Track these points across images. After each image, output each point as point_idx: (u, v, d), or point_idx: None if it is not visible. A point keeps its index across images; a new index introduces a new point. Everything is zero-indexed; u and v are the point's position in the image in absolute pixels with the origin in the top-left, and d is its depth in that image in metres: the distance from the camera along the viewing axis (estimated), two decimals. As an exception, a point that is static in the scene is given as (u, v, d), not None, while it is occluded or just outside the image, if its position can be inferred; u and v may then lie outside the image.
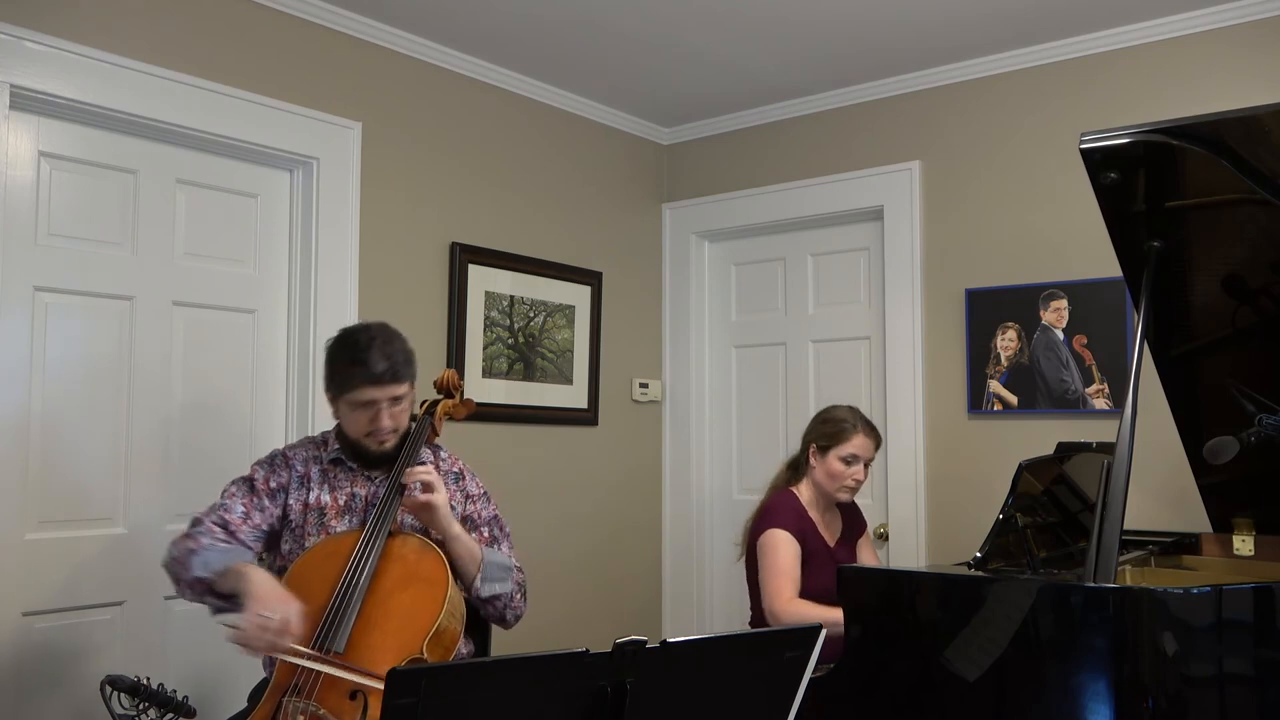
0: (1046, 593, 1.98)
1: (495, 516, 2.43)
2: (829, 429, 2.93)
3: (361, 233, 3.27)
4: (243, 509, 2.24)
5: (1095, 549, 2.02)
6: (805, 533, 2.85)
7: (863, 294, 3.96)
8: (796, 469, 3.01)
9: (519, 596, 2.33)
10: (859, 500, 3.14)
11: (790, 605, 2.72)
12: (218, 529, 2.19)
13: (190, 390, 2.96)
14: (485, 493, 2.44)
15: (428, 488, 2.18)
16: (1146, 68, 3.30)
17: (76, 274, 2.74)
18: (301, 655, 1.92)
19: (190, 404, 2.96)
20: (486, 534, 2.38)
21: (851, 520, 3.08)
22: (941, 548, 3.58)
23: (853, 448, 2.89)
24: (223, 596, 2.08)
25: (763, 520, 2.87)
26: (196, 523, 2.21)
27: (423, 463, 2.32)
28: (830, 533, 2.97)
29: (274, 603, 1.91)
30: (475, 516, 2.38)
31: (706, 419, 4.34)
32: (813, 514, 2.92)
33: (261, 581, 1.98)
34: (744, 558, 2.96)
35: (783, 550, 2.78)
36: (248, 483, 2.30)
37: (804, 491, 2.95)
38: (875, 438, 2.96)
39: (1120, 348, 3.30)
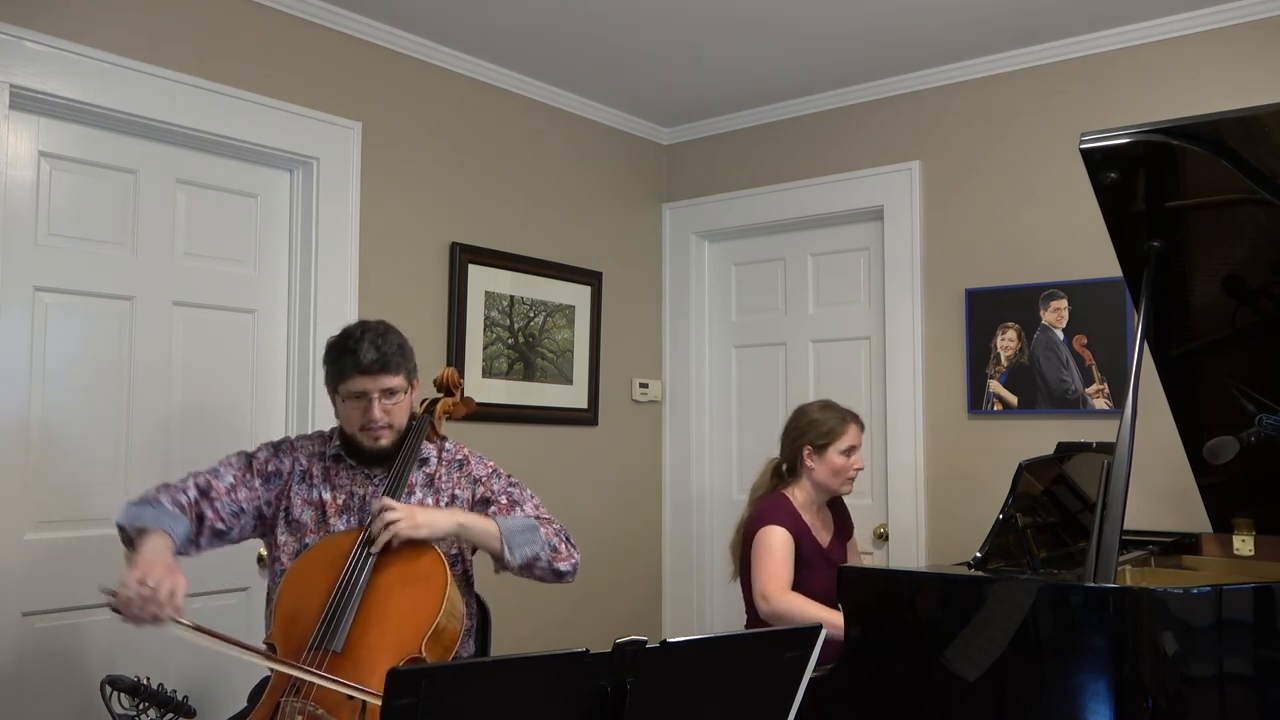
0: (1046, 593, 1.98)
1: (510, 485, 2.39)
2: (821, 428, 2.94)
3: (361, 233, 3.27)
4: (232, 480, 2.27)
5: (1095, 549, 2.02)
6: (800, 534, 2.86)
7: (863, 294, 3.96)
8: (781, 474, 3.01)
9: (562, 546, 2.29)
10: (852, 500, 3.16)
11: (784, 595, 2.73)
12: (193, 490, 2.21)
13: (190, 390, 2.97)
14: (494, 469, 2.41)
15: (395, 524, 2.09)
16: (1146, 68, 3.30)
17: (76, 274, 2.75)
18: (272, 660, 1.91)
19: (190, 404, 2.96)
20: (505, 502, 2.35)
21: (841, 520, 3.10)
22: (941, 548, 3.58)
23: (849, 440, 2.93)
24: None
25: (757, 522, 2.87)
26: (185, 478, 2.25)
27: (431, 458, 2.32)
28: (824, 534, 2.98)
29: (159, 573, 1.89)
30: (488, 494, 2.36)
31: (706, 419, 4.34)
32: (806, 516, 2.93)
33: (150, 551, 1.98)
34: (739, 563, 2.96)
35: (777, 545, 2.80)
36: (247, 458, 2.32)
37: (797, 494, 2.95)
38: (861, 424, 3.01)
39: (1120, 348, 3.30)
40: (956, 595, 2.11)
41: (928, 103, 3.74)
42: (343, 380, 2.24)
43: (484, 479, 2.38)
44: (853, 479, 2.98)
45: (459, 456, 2.41)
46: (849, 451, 2.93)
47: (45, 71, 2.61)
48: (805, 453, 2.94)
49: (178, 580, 1.91)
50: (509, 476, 2.42)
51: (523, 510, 2.35)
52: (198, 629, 1.87)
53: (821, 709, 2.21)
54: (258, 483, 2.29)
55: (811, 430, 2.94)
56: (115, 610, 1.88)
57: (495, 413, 3.63)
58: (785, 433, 3.03)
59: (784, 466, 3.00)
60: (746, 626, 2.98)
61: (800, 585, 2.80)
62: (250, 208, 3.13)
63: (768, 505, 2.91)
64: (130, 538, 2.11)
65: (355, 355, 2.21)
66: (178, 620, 1.87)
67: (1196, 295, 2.39)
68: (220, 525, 2.24)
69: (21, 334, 2.65)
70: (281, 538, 2.29)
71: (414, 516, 2.11)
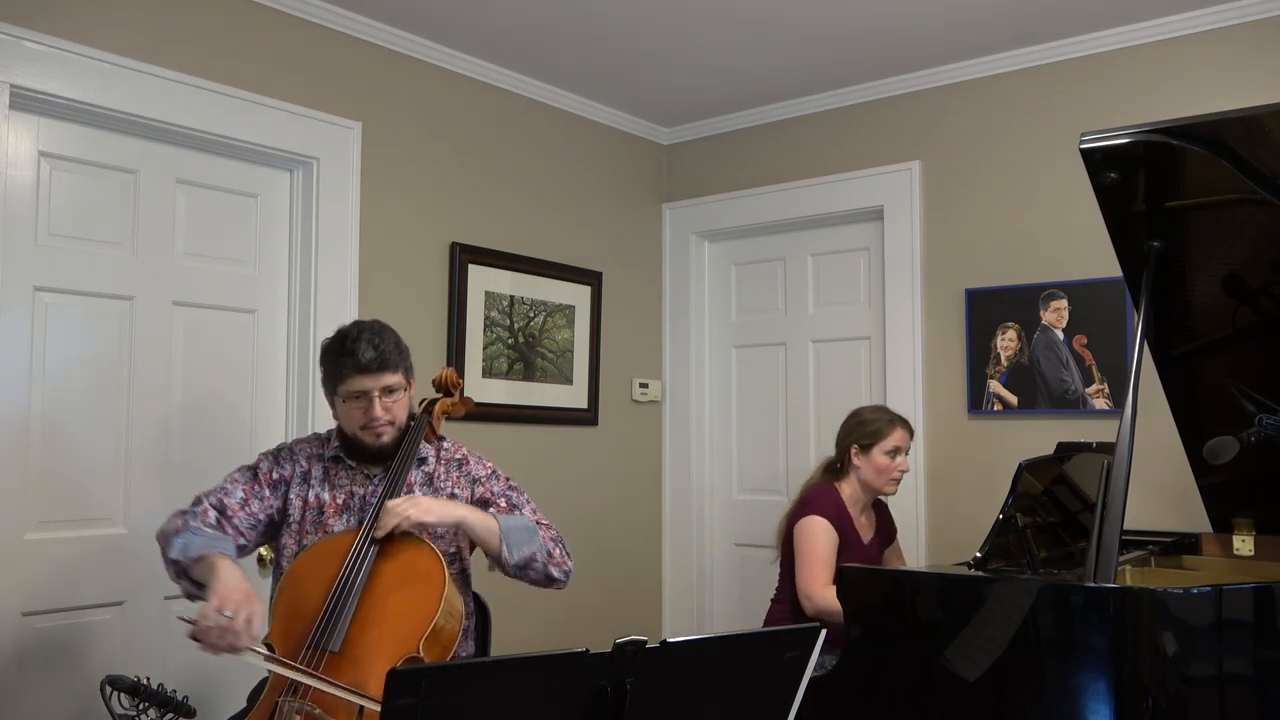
0: (1046, 593, 1.98)
1: (509, 488, 2.41)
2: (868, 428, 3.03)
3: (361, 233, 3.27)
4: (242, 495, 2.27)
5: (1095, 549, 2.02)
6: (843, 525, 2.94)
7: (863, 294, 3.96)
8: (833, 471, 3.10)
9: (557, 551, 2.31)
10: (893, 501, 3.23)
11: (826, 591, 2.79)
12: (212, 512, 2.22)
13: (190, 390, 2.96)
14: (493, 470, 2.42)
15: (402, 508, 2.12)
16: (1146, 68, 3.30)
17: (76, 274, 2.74)
18: (271, 660, 1.91)
19: (190, 404, 2.96)
20: (504, 505, 2.36)
21: (885, 524, 3.18)
22: (941, 548, 3.59)
23: (894, 441, 3.01)
24: (196, 583, 2.10)
25: (803, 508, 2.97)
26: (196, 501, 2.25)
27: (424, 466, 2.33)
28: (867, 531, 3.06)
29: (236, 600, 1.91)
30: (488, 495, 2.37)
31: (706, 419, 4.34)
32: (852, 510, 3.01)
33: (228, 577, 1.99)
34: (779, 546, 3.06)
35: (821, 537, 2.88)
36: (251, 470, 2.32)
37: (845, 489, 3.04)
38: (909, 429, 3.09)
39: (1120, 348, 3.30)
40: (957, 595, 2.11)
41: (928, 103, 3.73)
42: (342, 381, 2.24)
43: (483, 479, 2.39)
44: (897, 480, 3.05)
45: (458, 456, 2.41)
46: (894, 453, 3.01)
47: (45, 71, 2.61)
48: (852, 451, 3.03)
49: (255, 607, 1.92)
50: (508, 479, 2.42)
51: (520, 514, 2.36)
52: (276, 660, 1.89)
53: (821, 709, 2.21)
54: (267, 492, 2.30)
55: (859, 430, 3.04)
56: (194, 638, 1.89)
57: (495, 413, 3.63)
58: (838, 432, 3.14)
59: (837, 464, 3.10)
60: (774, 601, 3.07)
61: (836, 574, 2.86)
62: (250, 208, 3.13)
63: (814, 494, 3.01)
64: (184, 569, 2.11)
65: (354, 355, 2.21)
66: (255, 650, 1.89)
67: (1196, 295, 2.39)
68: (241, 541, 2.25)
69: (21, 334, 2.64)
70: (282, 539, 2.30)
71: (420, 502, 2.15)
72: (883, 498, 3.14)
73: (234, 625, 1.87)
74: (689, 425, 4.31)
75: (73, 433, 2.73)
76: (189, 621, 1.89)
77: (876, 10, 3.22)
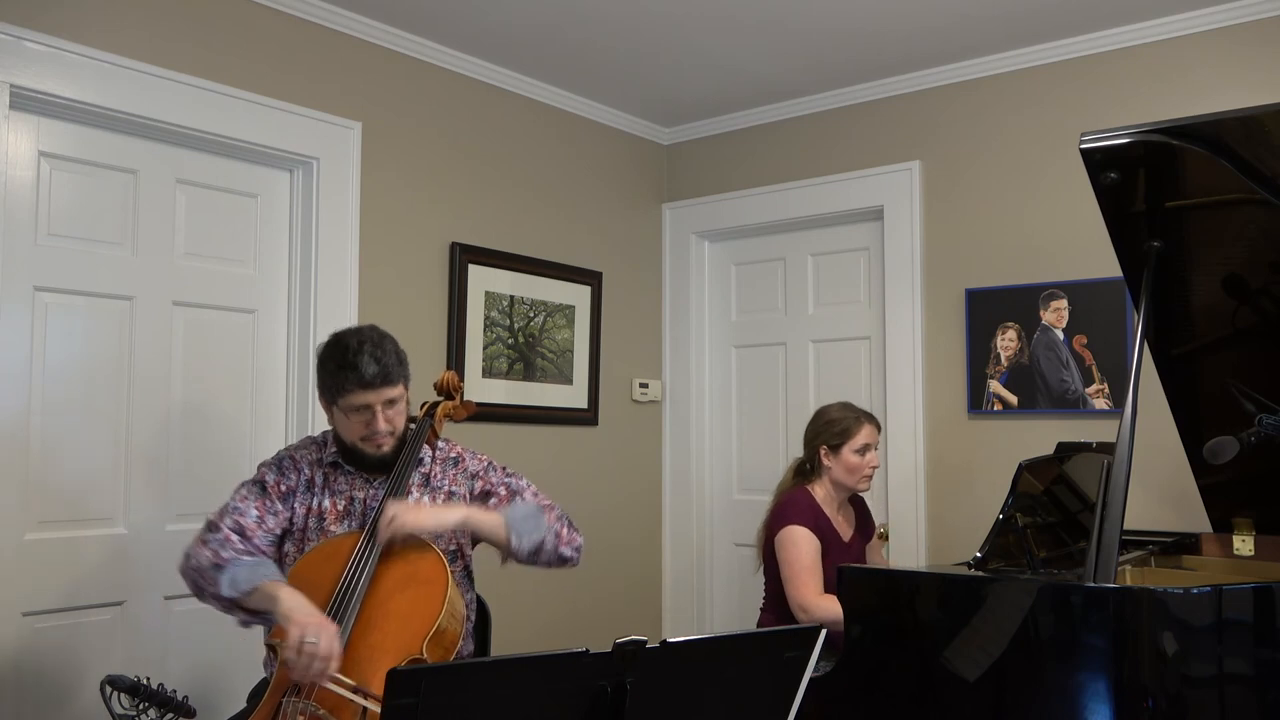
0: (1046, 593, 1.98)
1: (507, 475, 2.39)
2: (835, 428, 3.02)
3: (361, 233, 3.27)
4: (257, 513, 2.21)
5: (1095, 549, 2.02)
6: (821, 528, 2.93)
7: (863, 294, 3.96)
8: (804, 473, 3.08)
9: (565, 529, 2.29)
10: (867, 498, 3.21)
11: (820, 600, 2.79)
12: (235, 537, 2.15)
13: (190, 390, 2.96)
14: (489, 462, 2.40)
15: (402, 526, 2.11)
16: (1146, 68, 3.30)
17: (76, 274, 2.74)
18: (340, 685, 1.91)
19: (190, 404, 2.96)
20: (505, 493, 2.34)
21: (863, 519, 3.17)
22: (941, 548, 3.59)
23: (863, 438, 3.01)
24: (250, 611, 2.08)
25: (779, 517, 2.95)
26: (212, 528, 2.17)
27: (428, 473, 2.34)
28: (845, 529, 3.06)
29: (316, 626, 1.90)
30: (488, 487, 2.35)
31: (706, 419, 4.34)
32: (828, 510, 3.00)
33: (297, 605, 1.97)
34: (762, 554, 3.04)
35: (803, 546, 2.87)
36: (259, 485, 2.26)
37: (818, 491, 3.02)
38: (877, 425, 3.09)
39: (1120, 348, 3.30)
40: (956, 595, 2.11)
41: (928, 103, 3.73)
42: (343, 395, 2.19)
43: (480, 473, 2.37)
44: (869, 477, 3.05)
45: (453, 454, 2.40)
46: (863, 450, 3.00)
47: (45, 71, 2.61)
48: (822, 452, 3.02)
49: (330, 629, 1.92)
50: (504, 468, 2.41)
51: (522, 498, 2.34)
52: (356, 690, 1.88)
53: (822, 709, 2.21)
54: (279, 506, 2.25)
55: (827, 430, 3.03)
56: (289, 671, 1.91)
57: (495, 413, 3.63)
58: (805, 433, 3.12)
59: (807, 465, 3.09)
60: (762, 609, 3.06)
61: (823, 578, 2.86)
62: (250, 208, 3.13)
63: (787, 500, 2.99)
64: (237, 603, 2.08)
65: (356, 370, 2.15)
66: (338, 679, 1.89)
67: (1196, 295, 2.39)
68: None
69: (21, 334, 2.64)
70: (285, 546, 2.27)
71: (409, 511, 2.12)
72: (859, 493, 3.11)
73: (319, 652, 1.87)
74: (689, 425, 4.31)
75: (73, 433, 2.73)
76: (272, 647, 1.90)
77: (877, 10, 3.22)
